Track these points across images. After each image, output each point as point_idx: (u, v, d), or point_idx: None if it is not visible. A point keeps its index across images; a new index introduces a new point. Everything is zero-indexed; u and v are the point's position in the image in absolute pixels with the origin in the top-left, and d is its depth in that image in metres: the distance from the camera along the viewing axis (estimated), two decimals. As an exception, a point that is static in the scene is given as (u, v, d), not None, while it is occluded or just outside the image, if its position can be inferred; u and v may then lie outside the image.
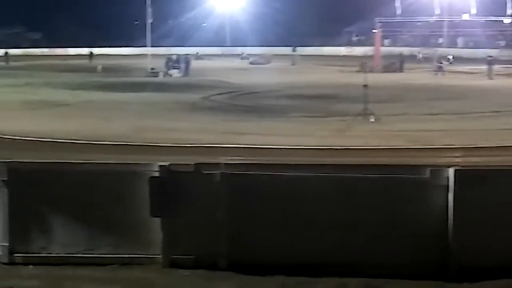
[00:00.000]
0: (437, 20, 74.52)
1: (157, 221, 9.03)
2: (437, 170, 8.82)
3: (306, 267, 8.67)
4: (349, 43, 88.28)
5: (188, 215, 9.01)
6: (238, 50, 79.20)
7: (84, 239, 9.20)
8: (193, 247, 9.04)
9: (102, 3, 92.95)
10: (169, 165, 9.08)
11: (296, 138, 20.09)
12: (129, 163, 9.58)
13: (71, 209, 9.24)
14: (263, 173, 9.08)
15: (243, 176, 9.00)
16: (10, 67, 61.51)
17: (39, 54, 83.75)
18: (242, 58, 60.85)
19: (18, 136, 20.59)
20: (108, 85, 40.65)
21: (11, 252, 9.20)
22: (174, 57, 52.28)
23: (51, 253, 9.19)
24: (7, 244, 9.20)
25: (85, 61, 66.32)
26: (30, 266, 9.09)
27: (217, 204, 8.92)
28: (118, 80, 44.80)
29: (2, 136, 20.77)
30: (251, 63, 62.58)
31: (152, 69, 49.75)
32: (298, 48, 69.27)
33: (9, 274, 8.95)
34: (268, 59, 64.18)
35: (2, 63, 64.84)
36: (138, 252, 9.13)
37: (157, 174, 9.00)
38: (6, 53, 69.62)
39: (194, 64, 51.28)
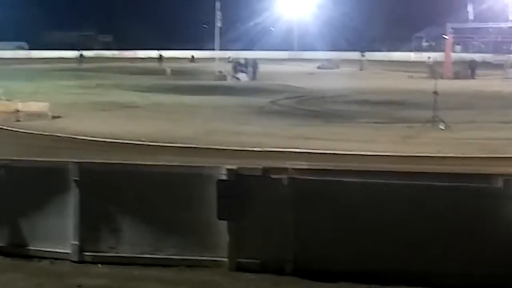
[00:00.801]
0: (510, 27, 72.80)
1: (224, 224, 9.04)
2: (510, 179, 8.57)
3: (374, 275, 8.54)
4: (419, 49, 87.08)
5: (255, 219, 8.99)
6: (306, 54, 79.09)
7: (151, 240, 9.27)
8: (259, 251, 9.00)
9: (172, 7, 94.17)
10: (237, 168, 9.08)
11: (363, 144, 19.85)
12: (197, 166, 9.62)
13: (140, 210, 9.33)
14: (331, 178, 8.98)
15: (311, 181, 8.92)
16: (82, 68, 62.93)
17: (110, 56, 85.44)
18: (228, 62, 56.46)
19: (88, 137, 21.01)
20: (176, 88, 41.11)
21: (81, 250, 9.36)
22: (241, 60, 52.53)
23: (119, 253, 9.30)
24: (77, 243, 9.36)
25: (154, 64, 67.26)
26: (99, 265, 9.23)
27: (284, 209, 8.87)
28: (187, 83, 45.28)
29: (73, 136, 21.25)
30: (319, 68, 62.35)
31: (220, 72, 50.08)
32: (367, 53, 68.71)
33: (78, 272, 9.10)
34: (336, 64, 63.84)
35: (75, 65, 66.33)
36: (204, 255, 9.14)
37: (224, 177, 9.00)
38: (81, 55, 71.23)
39: (262, 68, 51.35)
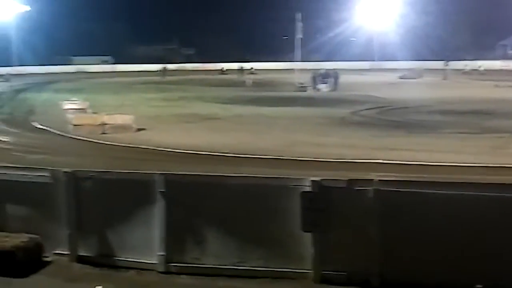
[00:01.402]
0: None
1: (308, 236, 8.98)
2: None
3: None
4: (504, 57, 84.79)
5: (340, 231, 8.90)
6: (388, 64, 78.21)
7: (236, 252, 9.29)
8: (345, 264, 8.91)
9: (252, 19, 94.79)
10: (321, 180, 9.01)
11: (448, 155, 19.40)
12: (281, 177, 9.59)
13: (225, 221, 9.37)
14: (418, 190, 8.80)
15: (397, 193, 8.77)
16: (165, 81, 64.02)
17: (192, 69, 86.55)
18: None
19: (172, 149, 21.31)
20: (257, 99, 41.28)
21: (167, 261, 9.46)
22: (322, 71, 52.35)
23: (205, 264, 9.36)
24: (164, 254, 9.47)
25: (235, 76, 67.82)
26: (184, 276, 9.31)
27: (369, 221, 8.75)
28: (267, 95, 45.43)
29: (157, 148, 21.60)
30: (401, 78, 61.50)
31: (300, 83, 50.04)
32: (450, 62, 67.30)
33: (164, 282, 9.22)
34: (418, 73, 62.76)
35: (158, 78, 67.56)
36: (289, 267, 9.11)
37: (309, 189, 8.95)
38: (165, 68, 72.47)
39: (343, 78, 51.05)
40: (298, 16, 53.90)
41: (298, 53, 55.41)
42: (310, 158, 18.98)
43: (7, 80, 60.07)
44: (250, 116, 32.35)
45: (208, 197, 9.46)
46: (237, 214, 9.36)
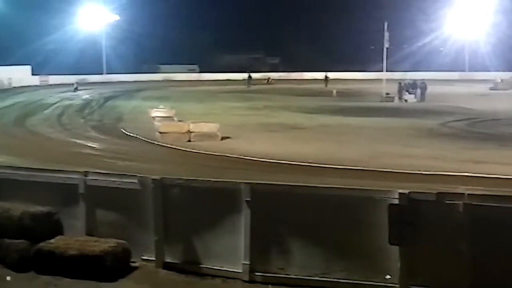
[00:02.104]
0: None
1: (395, 249, 8.81)
2: None
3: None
4: None
5: (428, 245, 8.69)
6: (478, 75, 76.41)
7: (321, 263, 9.20)
8: (433, 278, 8.69)
9: (338, 29, 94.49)
10: (409, 192, 8.83)
11: (541, 169, 18.73)
12: (368, 189, 9.45)
13: (309, 232, 9.31)
14: (509, 205, 8.50)
15: (488, 207, 8.50)
16: (250, 90, 64.49)
17: (277, 78, 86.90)
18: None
19: (256, 158, 21.38)
20: (342, 109, 41.03)
21: (251, 270, 9.46)
22: (409, 81, 51.62)
23: (289, 274, 9.31)
24: (248, 263, 9.48)
25: (320, 85, 67.64)
26: (269, 286, 9.29)
27: (459, 236, 8.51)
28: (353, 105, 45.07)
29: (242, 157, 21.71)
30: (491, 89, 59.96)
31: (387, 94, 49.47)
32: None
33: (249, 292, 9.22)
34: (510, 84, 61.01)
35: (243, 87, 68.11)
36: (375, 280, 8.96)
37: (396, 201, 8.79)
38: (250, 76, 73.03)
39: (431, 89, 50.14)
40: (385, 25, 53.26)
41: (384, 63, 54.74)
42: (396, 169, 18.65)
43: (75, 90, 60.85)
44: (335, 126, 32.17)
45: (293, 207, 9.42)
46: (322, 224, 9.28)
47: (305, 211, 9.29)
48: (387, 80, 53.96)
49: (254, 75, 76.17)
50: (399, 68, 73.28)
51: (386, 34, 53.33)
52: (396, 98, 48.48)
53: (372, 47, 74.23)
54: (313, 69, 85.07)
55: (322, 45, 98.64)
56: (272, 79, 78.09)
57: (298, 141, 26.25)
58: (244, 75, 75.60)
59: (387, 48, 54.02)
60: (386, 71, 55.48)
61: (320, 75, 76.08)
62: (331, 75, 74.58)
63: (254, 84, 70.08)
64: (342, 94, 54.41)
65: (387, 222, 8.77)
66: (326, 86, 67.15)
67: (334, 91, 55.42)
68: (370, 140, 25.99)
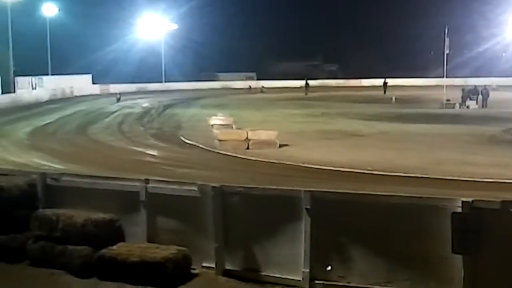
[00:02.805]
0: None
1: (458, 258, 8.64)
2: None
3: None
4: None
5: (493, 254, 8.50)
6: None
7: (382, 271, 9.09)
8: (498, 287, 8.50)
9: (397, 35, 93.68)
10: (473, 201, 8.65)
11: None
12: (430, 197, 9.29)
13: (370, 240, 9.20)
14: None
15: (555, 216, 8.27)
16: (308, 97, 64.39)
17: (334, 85, 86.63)
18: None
19: (315, 165, 21.31)
20: (402, 116, 40.60)
21: (312, 278, 9.41)
22: (471, 87, 50.79)
23: (350, 283, 9.23)
24: (308, 271, 9.43)
25: (378, 92, 67.13)
26: (330, 293, 9.23)
27: (525, 246, 8.30)
28: (412, 111, 44.57)
29: (301, 164, 21.67)
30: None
31: (447, 100, 48.77)
32: None
33: (309, 299, 9.17)
34: None
35: (301, 94, 68.05)
36: (437, 289, 8.81)
37: (460, 209, 8.62)
38: (307, 83, 72.96)
39: (493, 95, 49.22)
40: (446, 31, 52.54)
41: (445, 68, 53.99)
42: (457, 177, 18.37)
43: (118, 100, 60.21)
44: (394, 133, 31.85)
45: (353, 214, 9.33)
46: (383, 233, 9.16)
47: (366, 219, 9.19)
48: (447, 86, 53.24)
49: (312, 82, 76.07)
50: (459, 74, 72.19)
51: (447, 40, 52.63)
52: (457, 105, 47.73)
53: (432, 52, 73.36)
54: (371, 75, 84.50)
55: (381, 51, 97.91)
56: (264, 88, 78.17)
57: (357, 148, 26.07)
58: (302, 82, 75.54)
59: (447, 53, 53.30)
60: (446, 77, 54.75)
61: (379, 81, 75.50)
62: (390, 81, 73.90)
63: (312, 91, 69.94)
64: (401, 101, 53.86)
65: (450, 231, 8.61)
66: (385, 92, 66.60)
67: (393, 98, 54.90)
68: (430, 147, 25.65)
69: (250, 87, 78.25)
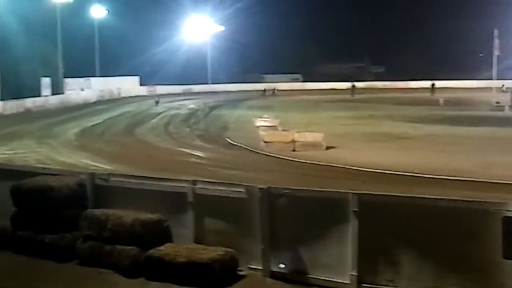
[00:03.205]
0: None
1: (509, 263, 8.47)
2: None
3: None
4: None
5: (544, 260, 8.32)
6: None
7: (431, 276, 8.96)
8: (549, 295, 8.32)
9: (445, 37, 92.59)
10: (524, 205, 8.49)
11: None
12: (481, 201, 9.14)
13: (419, 244, 9.08)
14: None
15: None
16: (354, 99, 64.05)
17: (381, 87, 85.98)
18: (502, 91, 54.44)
19: (361, 168, 21.18)
20: (450, 118, 40.14)
21: (359, 281, 9.33)
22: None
23: (398, 287, 9.12)
24: (356, 274, 9.36)
25: (426, 94, 66.42)
26: (377, 297, 9.15)
27: None
28: (461, 114, 43.99)
29: (347, 166, 21.56)
30: None
31: (497, 102, 48.01)
32: None
33: (357, 303, 9.09)
34: None
35: (347, 96, 67.71)
36: (488, 295, 8.65)
37: (510, 214, 8.46)
38: (353, 85, 72.60)
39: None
40: (495, 33, 51.72)
41: (494, 71, 53.15)
42: (507, 180, 18.02)
43: (157, 102, 58.93)
44: (442, 135, 31.49)
45: (402, 218, 9.22)
46: (432, 236, 9.03)
47: (415, 223, 9.07)
48: (497, 88, 52.41)
49: (358, 84, 75.67)
50: (509, 76, 70.96)
51: (496, 42, 51.82)
52: (507, 107, 46.92)
53: (481, 54, 72.31)
54: (419, 77, 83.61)
55: (429, 52, 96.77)
56: (277, 90, 77.90)
57: (404, 151, 25.85)
58: (348, 84, 75.18)
59: (497, 55, 52.47)
60: (496, 79, 53.89)
61: (426, 83, 74.70)
62: (438, 83, 73.05)
63: (358, 93, 69.55)
64: (449, 103, 53.22)
65: (500, 236, 8.45)
66: (432, 95, 65.89)
67: (441, 100, 54.28)
68: (479, 150, 25.30)
69: (264, 89, 77.31)
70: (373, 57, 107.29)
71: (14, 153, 26.51)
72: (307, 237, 9.85)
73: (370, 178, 19.60)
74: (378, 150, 26.22)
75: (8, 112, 48.24)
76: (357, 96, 67.44)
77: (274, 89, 78.55)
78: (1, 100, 48.75)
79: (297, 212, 9.96)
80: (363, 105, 54.20)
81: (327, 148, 25.88)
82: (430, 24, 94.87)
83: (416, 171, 20.08)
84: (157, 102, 58.89)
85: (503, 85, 58.28)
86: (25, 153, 26.61)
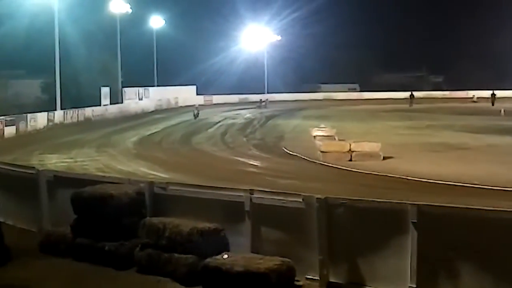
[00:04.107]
0: None
1: None
2: None
3: None
4: None
5: None
6: None
7: (492, 289, 8.79)
8: None
9: (506, 44, 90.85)
10: None
11: None
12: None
13: (480, 256, 8.91)
14: None
15: None
16: (412, 109, 63.33)
17: (440, 96, 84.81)
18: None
19: (419, 178, 20.91)
20: (511, 129, 39.24)
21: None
22: None
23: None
24: (415, 286, 9.23)
25: (486, 104, 65.27)
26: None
27: None
28: (523, 124, 43.01)
29: (405, 177, 21.30)
30: None
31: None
32: None
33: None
34: None
35: (405, 106, 66.96)
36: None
37: None
38: (412, 95, 71.71)
39: None
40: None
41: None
42: None
43: (196, 114, 53.52)
44: (503, 146, 30.84)
45: (461, 229, 9.07)
46: (493, 249, 8.86)
47: (476, 235, 8.91)
48: None
49: (416, 94, 74.75)
50: None
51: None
52: None
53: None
54: (479, 87, 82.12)
55: (489, 62, 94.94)
56: (267, 101, 72.33)
57: (463, 161, 25.42)
58: (405, 94, 74.35)
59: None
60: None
61: (486, 93, 73.31)
62: (499, 93, 71.63)
63: (416, 103, 68.69)
64: (511, 113, 52.07)
65: None
66: (493, 104, 64.71)
67: (502, 110, 53.19)
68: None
69: (261, 100, 71.84)
70: (432, 67, 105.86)
71: (74, 162, 27.01)
72: (365, 248, 9.77)
73: (429, 188, 19.33)
74: (436, 160, 25.85)
75: (68, 121, 49.16)
76: (415, 106, 66.62)
77: (266, 99, 74.85)
78: (62, 109, 49.68)
79: (355, 222, 9.90)
80: (421, 115, 53.52)
81: (384, 158, 25.62)
82: (491, 33, 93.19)
83: (475, 182, 19.75)
84: (196, 116, 53.92)
85: None
86: (84, 161, 27.08)
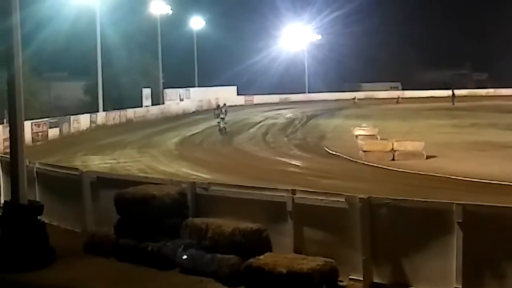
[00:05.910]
0: None
1: None
2: None
3: None
4: None
5: None
6: None
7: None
8: None
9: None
10: None
11: None
12: None
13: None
14: None
15: None
16: (455, 107, 62.54)
17: (484, 94, 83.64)
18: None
19: (464, 177, 20.61)
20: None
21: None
22: None
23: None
24: (460, 287, 9.08)
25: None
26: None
27: None
28: None
29: (449, 176, 21.02)
30: None
31: None
32: None
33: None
34: None
35: (448, 104, 66.14)
36: None
37: None
38: (453, 93, 70.79)
39: None
40: None
41: None
42: None
43: (222, 117, 39.90)
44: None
45: (509, 229, 8.89)
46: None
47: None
48: None
49: (459, 92, 73.74)
50: None
51: None
52: None
53: None
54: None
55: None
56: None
57: (509, 160, 24.93)
58: (449, 92, 73.41)
59: None
60: None
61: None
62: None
63: (459, 101, 67.79)
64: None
65: None
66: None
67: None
68: None
69: (218, 106, 63.59)
70: (476, 64, 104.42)
71: (117, 163, 27.24)
72: (409, 248, 9.65)
73: (474, 188, 19.03)
74: (481, 159, 25.45)
75: (110, 122, 49.64)
76: (458, 104, 65.72)
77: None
78: (104, 110, 50.20)
79: (399, 222, 9.78)
80: (464, 113, 52.80)
81: (428, 157, 25.30)
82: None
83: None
84: (217, 116, 40.73)
85: None
86: (127, 162, 27.29)
